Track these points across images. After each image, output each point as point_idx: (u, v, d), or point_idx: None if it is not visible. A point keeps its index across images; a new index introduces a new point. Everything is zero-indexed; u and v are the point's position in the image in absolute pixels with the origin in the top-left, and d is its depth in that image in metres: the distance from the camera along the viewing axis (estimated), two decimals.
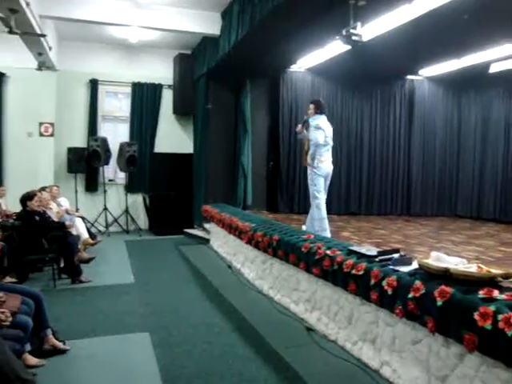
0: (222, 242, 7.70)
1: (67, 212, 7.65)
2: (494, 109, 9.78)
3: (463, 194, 10.38)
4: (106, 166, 9.92)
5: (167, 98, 10.44)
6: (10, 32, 5.93)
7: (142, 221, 10.42)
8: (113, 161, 9.97)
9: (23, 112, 9.29)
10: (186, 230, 9.66)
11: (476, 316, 2.41)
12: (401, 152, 10.32)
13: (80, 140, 9.88)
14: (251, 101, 9.35)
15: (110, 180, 10.24)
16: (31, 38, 6.98)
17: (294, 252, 4.64)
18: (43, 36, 7.01)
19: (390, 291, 3.12)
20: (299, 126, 6.44)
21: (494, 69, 8.65)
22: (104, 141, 9.68)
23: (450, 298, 2.64)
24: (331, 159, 6.21)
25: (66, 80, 9.62)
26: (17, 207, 6.19)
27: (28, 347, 3.36)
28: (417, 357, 3.01)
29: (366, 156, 10.17)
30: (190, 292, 5.62)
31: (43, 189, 7.26)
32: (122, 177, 10.30)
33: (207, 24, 8.19)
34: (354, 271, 3.55)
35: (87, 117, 10.00)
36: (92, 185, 10.06)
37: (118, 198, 10.21)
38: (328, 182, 6.27)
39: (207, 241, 8.65)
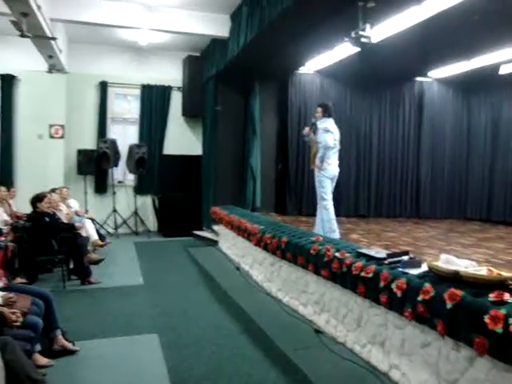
0: (230, 244, 7.70)
1: (77, 213, 7.71)
2: (504, 110, 9.72)
3: (473, 196, 10.32)
4: (115, 168, 9.97)
5: (176, 100, 10.47)
6: (22, 35, 6.01)
7: (151, 222, 10.46)
8: (122, 163, 10.02)
9: (34, 114, 9.37)
10: (194, 232, 9.67)
11: (486, 319, 2.39)
12: (410, 154, 10.28)
13: (89, 142, 9.94)
14: (260, 103, 9.36)
15: (119, 182, 10.29)
16: (42, 40, 7.06)
17: (302, 254, 4.63)
18: (54, 39, 7.07)
19: (399, 294, 3.11)
20: (306, 128, 6.48)
21: (503, 70, 8.59)
22: (113, 143, 9.74)
23: (459, 300, 2.62)
24: (337, 162, 6.22)
25: (75, 82, 9.70)
26: (27, 208, 6.23)
27: (38, 347, 3.39)
28: (426, 360, 2.99)
29: (375, 158, 10.14)
30: (198, 294, 5.63)
31: (53, 190, 7.31)
32: (131, 179, 10.34)
33: (216, 26, 8.21)
34: (363, 273, 3.53)
35: (97, 119, 10.06)
36: (101, 186, 10.12)
37: (127, 199, 10.25)
38: (334, 184, 6.28)
39: (216, 243, 8.66)
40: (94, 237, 7.40)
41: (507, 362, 2.35)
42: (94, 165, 9.66)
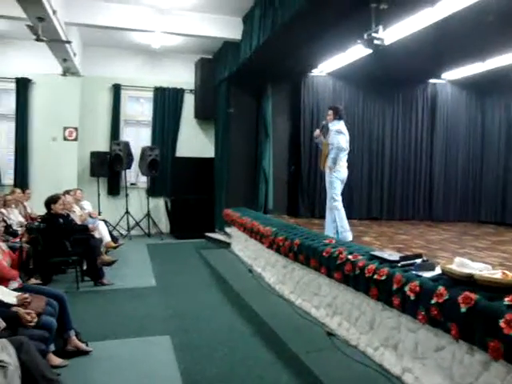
0: (242, 246, 7.71)
1: (90, 215, 7.76)
2: None
3: (487, 199, 10.21)
4: (128, 170, 10.04)
5: (189, 103, 10.53)
6: (38, 39, 6.10)
7: (164, 224, 10.51)
8: (135, 165, 10.08)
9: (48, 117, 9.48)
10: (207, 234, 9.69)
11: (502, 323, 2.36)
12: (423, 156, 10.21)
13: (103, 144, 10.03)
14: (272, 105, 9.37)
15: (131, 184, 10.35)
16: (57, 44, 7.15)
17: (315, 256, 4.62)
18: (68, 43, 7.15)
19: (412, 296, 3.09)
20: (317, 130, 6.51)
21: None
22: (126, 145, 9.80)
23: (474, 304, 2.60)
24: (347, 164, 6.23)
25: (89, 85, 9.80)
26: (41, 210, 6.29)
27: (52, 347, 3.41)
28: (440, 364, 2.96)
29: (387, 160, 10.09)
30: (210, 296, 5.64)
31: (67, 192, 7.40)
32: (143, 181, 10.40)
33: (228, 29, 8.24)
34: (376, 276, 3.52)
35: (110, 121, 10.14)
36: (114, 188, 10.19)
37: (139, 201, 10.31)
38: (342, 186, 6.28)
39: (228, 245, 8.67)
40: (107, 238, 7.44)
41: None
42: (107, 167, 9.74)
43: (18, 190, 7.66)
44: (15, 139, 9.37)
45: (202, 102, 10.14)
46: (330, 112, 6.29)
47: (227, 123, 9.44)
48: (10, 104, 9.51)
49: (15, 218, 6.88)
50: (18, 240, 5.68)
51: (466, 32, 6.36)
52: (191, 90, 10.50)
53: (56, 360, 3.40)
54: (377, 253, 3.94)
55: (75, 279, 5.85)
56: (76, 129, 9.63)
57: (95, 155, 9.69)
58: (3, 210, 6.57)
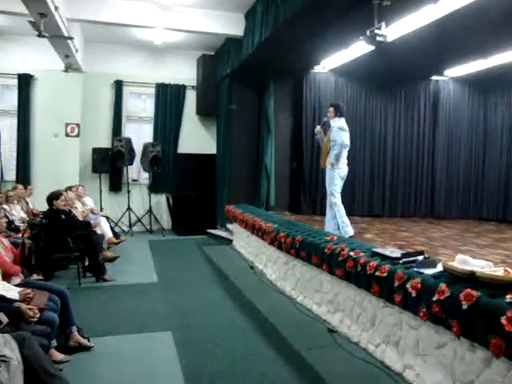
0: (244, 243, 7.72)
1: (92, 211, 7.77)
2: None
3: (489, 197, 10.20)
4: (129, 166, 10.04)
5: (191, 99, 10.52)
6: (40, 35, 6.09)
7: (166, 221, 10.52)
8: (137, 161, 10.08)
9: (50, 113, 9.48)
10: (208, 231, 9.71)
11: (503, 320, 2.37)
12: (425, 153, 10.20)
13: (104, 140, 10.03)
14: (274, 102, 9.36)
15: (133, 180, 10.35)
16: (59, 40, 7.14)
17: (316, 253, 4.62)
18: (70, 38, 7.15)
19: (414, 293, 3.09)
20: (318, 127, 6.53)
21: None
22: (128, 141, 9.80)
23: (475, 301, 2.60)
24: (347, 161, 6.25)
25: (91, 81, 9.79)
26: (43, 206, 6.30)
27: (54, 343, 3.42)
28: (441, 361, 2.97)
29: (389, 157, 10.08)
30: (212, 292, 5.65)
31: (69, 188, 7.40)
32: (145, 177, 10.40)
33: (231, 25, 8.23)
34: (377, 273, 3.52)
35: (112, 117, 10.14)
36: (116, 185, 10.20)
37: (141, 197, 10.32)
38: (342, 183, 6.30)
39: (230, 241, 8.68)
40: (109, 235, 7.46)
41: None
42: (109, 163, 9.74)
43: (20, 186, 7.66)
44: (17, 135, 9.38)
45: (204, 98, 10.13)
46: (331, 109, 6.31)
47: (229, 120, 9.43)
48: (12, 100, 9.51)
49: (17, 213, 6.89)
50: (20, 236, 5.68)
51: (468, 29, 6.34)
52: (193, 87, 10.49)
53: (58, 355, 3.42)
54: (378, 250, 3.94)
55: (77, 275, 5.87)
56: (78, 125, 9.63)
57: (97, 151, 9.69)
58: (5, 206, 6.57)
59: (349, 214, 6.28)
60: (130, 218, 9.97)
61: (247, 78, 9.16)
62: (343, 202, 6.30)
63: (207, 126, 10.66)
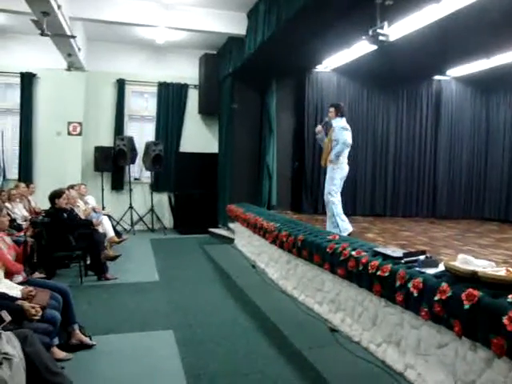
0: (246, 242, 7.72)
1: (94, 210, 7.78)
2: None
3: (491, 196, 10.19)
4: (131, 165, 10.06)
5: (193, 98, 10.53)
6: (42, 34, 6.12)
7: (167, 220, 10.53)
8: (139, 160, 10.10)
9: (52, 111, 9.50)
10: (210, 230, 9.72)
11: (505, 320, 2.36)
12: (427, 153, 10.18)
13: (107, 139, 10.04)
14: (276, 101, 9.36)
15: (135, 179, 10.36)
16: (61, 39, 7.16)
17: (318, 252, 4.62)
18: (73, 37, 7.16)
19: (415, 293, 3.09)
20: (319, 126, 6.51)
21: None
22: (130, 140, 9.82)
23: (477, 301, 2.60)
24: (347, 160, 6.24)
25: (93, 80, 9.81)
26: (45, 205, 6.31)
27: (56, 341, 3.43)
28: (442, 361, 2.96)
29: (391, 157, 10.06)
30: (214, 291, 5.65)
31: (71, 187, 7.41)
32: (147, 176, 10.41)
33: (233, 24, 8.23)
34: (379, 272, 3.52)
35: (114, 116, 10.15)
36: (118, 183, 10.21)
37: (143, 196, 10.33)
38: (342, 182, 6.29)
39: (232, 240, 8.68)
40: (111, 233, 7.47)
41: None
42: (111, 162, 9.75)
43: (23, 185, 7.68)
44: (20, 134, 9.41)
45: (206, 97, 10.14)
46: (332, 109, 6.30)
47: (231, 119, 9.44)
48: (14, 99, 9.53)
49: (19, 212, 6.90)
50: (22, 234, 5.68)
51: (470, 29, 6.33)
52: (195, 86, 10.50)
53: (60, 353, 3.42)
54: (380, 249, 3.93)
55: (79, 274, 5.88)
56: (80, 123, 9.65)
57: (99, 150, 9.70)
58: (8, 204, 6.58)
59: (350, 214, 6.27)
60: (131, 216, 9.99)
61: (249, 77, 9.16)
62: (344, 202, 6.29)
63: (209, 125, 10.67)
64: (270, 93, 9.31)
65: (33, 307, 3.03)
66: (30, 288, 3.30)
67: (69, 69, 8.87)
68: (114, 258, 6.79)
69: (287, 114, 9.78)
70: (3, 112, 9.64)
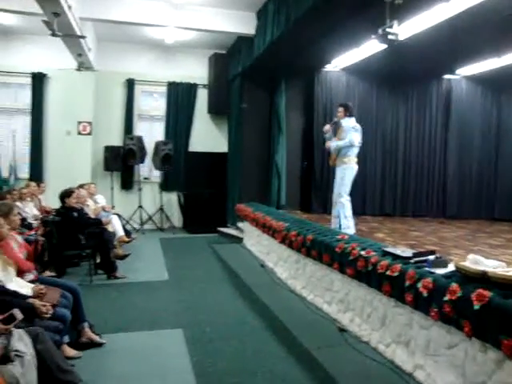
0: (255, 241, 7.72)
1: (103, 209, 7.82)
2: None
3: (502, 197, 10.10)
4: (141, 165, 10.11)
5: (202, 98, 10.55)
6: (53, 34, 6.16)
7: (177, 219, 10.56)
8: (148, 159, 10.14)
9: (62, 111, 9.57)
10: (219, 229, 9.73)
11: None
12: (437, 153, 10.13)
13: (116, 138, 10.09)
14: (286, 100, 9.35)
15: (145, 178, 10.41)
16: (72, 39, 7.20)
17: (327, 252, 4.61)
18: (83, 37, 7.20)
19: (425, 293, 3.07)
20: (327, 125, 6.49)
21: None
22: (140, 139, 9.86)
23: (488, 301, 2.57)
24: (357, 159, 6.23)
25: (103, 80, 9.87)
26: (56, 204, 6.36)
27: (66, 339, 3.46)
28: (452, 361, 2.95)
29: (401, 157, 10.02)
30: (223, 290, 5.67)
31: (81, 186, 7.46)
32: (156, 175, 10.45)
33: (242, 24, 8.23)
34: (388, 272, 3.50)
35: (123, 116, 10.20)
36: (127, 183, 10.26)
37: (152, 196, 10.37)
38: (351, 183, 6.27)
39: (241, 240, 8.68)
40: (120, 232, 7.51)
41: None
42: (121, 161, 9.81)
43: (33, 184, 7.75)
44: (30, 133, 9.49)
45: (216, 96, 10.16)
46: (341, 109, 6.30)
47: (240, 118, 9.44)
48: (25, 99, 9.60)
49: (30, 211, 6.96)
50: (33, 233, 5.74)
51: (481, 27, 6.30)
52: (204, 85, 10.52)
53: (70, 351, 3.46)
54: (390, 249, 3.92)
55: (88, 272, 5.92)
56: (90, 123, 9.71)
57: (109, 149, 9.76)
58: (19, 204, 6.63)
59: (360, 214, 6.23)
60: (141, 215, 10.03)
61: (259, 76, 9.16)
62: (353, 202, 6.26)
63: (218, 125, 10.69)
64: (279, 92, 9.30)
65: (44, 305, 3.06)
66: (41, 286, 3.34)
67: (79, 69, 8.91)
68: (123, 257, 6.84)
69: (296, 114, 9.76)
70: (14, 112, 9.73)
